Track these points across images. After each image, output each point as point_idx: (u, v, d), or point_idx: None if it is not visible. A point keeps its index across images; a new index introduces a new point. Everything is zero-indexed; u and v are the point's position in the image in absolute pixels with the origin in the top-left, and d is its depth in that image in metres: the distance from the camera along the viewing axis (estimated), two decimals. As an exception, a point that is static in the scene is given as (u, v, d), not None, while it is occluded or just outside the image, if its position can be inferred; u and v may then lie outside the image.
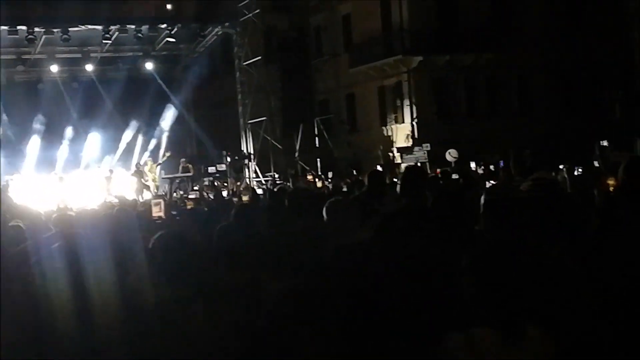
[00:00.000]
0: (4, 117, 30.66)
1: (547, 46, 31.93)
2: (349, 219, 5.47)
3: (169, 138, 33.06)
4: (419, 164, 28.03)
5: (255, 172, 30.49)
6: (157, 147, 32.30)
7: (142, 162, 29.82)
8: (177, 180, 28.77)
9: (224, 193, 18.27)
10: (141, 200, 21.02)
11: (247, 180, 29.97)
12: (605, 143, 20.05)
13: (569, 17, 32.74)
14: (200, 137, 34.31)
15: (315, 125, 31.70)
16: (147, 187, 27.69)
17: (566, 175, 10.17)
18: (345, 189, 12.50)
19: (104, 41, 28.40)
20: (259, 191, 19.74)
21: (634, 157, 6.38)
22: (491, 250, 3.21)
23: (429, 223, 5.31)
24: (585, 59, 31.93)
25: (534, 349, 3.03)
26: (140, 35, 28.12)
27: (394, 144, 32.06)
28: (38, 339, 4.19)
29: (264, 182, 28.86)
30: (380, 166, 25.81)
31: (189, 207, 11.93)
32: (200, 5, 29.46)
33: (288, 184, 20.95)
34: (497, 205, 4.25)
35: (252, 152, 31.09)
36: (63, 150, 31.21)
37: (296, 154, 30.49)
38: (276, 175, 28.81)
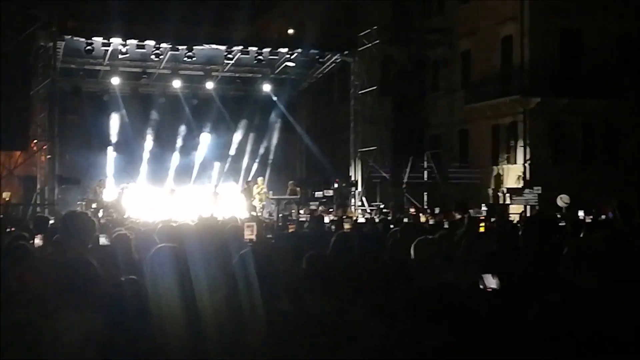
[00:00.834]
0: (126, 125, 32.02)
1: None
2: (435, 259, 5.44)
3: (281, 159, 33.73)
4: (528, 207, 27.58)
5: (362, 200, 30.58)
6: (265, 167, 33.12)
7: (251, 180, 30.39)
8: (284, 202, 29.15)
9: (327, 219, 18.35)
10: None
11: (353, 208, 30.11)
12: None
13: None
14: (311, 161, 34.79)
15: (425, 158, 31.53)
16: (254, 207, 28.18)
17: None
18: (446, 226, 12.39)
19: (225, 61, 29.24)
20: (361, 220, 19.80)
21: None
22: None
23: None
24: None
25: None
26: (260, 57, 28.79)
27: (504, 184, 31.55)
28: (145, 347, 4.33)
29: (369, 211, 28.91)
30: (487, 206, 25.44)
31: (290, 230, 12.05)
32: (321, 32, 29.98)
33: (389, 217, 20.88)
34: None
35: (359, 180, 31.24)
36: (176, 162, 32.31)
37: (403, 186, 30.39)
38: (382, 206, 28.76)
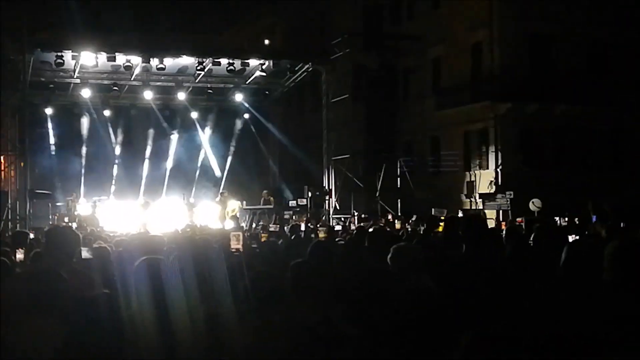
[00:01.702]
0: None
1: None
2: (413, 265, 5.46)
3: (254, 169, 33.74)
4: (501, 212, 27.77)
5: (335, 208, 30.61)
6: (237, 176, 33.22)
7: (225, 191, 30.26)
8: (258, 212, 29.10)
9: (302, 227, 18.35)
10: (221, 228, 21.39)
11: (326, 216, 30.13)
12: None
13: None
14: (284, 170, 34.80)
15: (398, 165, 31.64)
16: (233, 217, 28.08)
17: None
18: (421, 232, 12.44)
19: (197, 72, 29.13)
20: (337, 227, 19.82)
21: None
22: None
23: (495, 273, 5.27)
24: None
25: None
26: (232, 68, 28.74)
27: (476, 189, 31.72)
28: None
29: (343, 219, 28.92)
30: (462, 211, 25.56)
31: (263, 239, 12.03)
32: (291, 41, 30.01)
33: (368, 223, 20.91)
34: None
35: (333, 188, 31.26)
36: (147, 173, 32.22)
37: (377, 193, 30.46)
38: (356, 213, 28.79)
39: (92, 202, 27.76)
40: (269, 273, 5.47)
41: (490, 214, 26.95)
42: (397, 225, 19.54)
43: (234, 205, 28.45)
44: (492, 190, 30.55)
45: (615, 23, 32.20)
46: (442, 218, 11.77)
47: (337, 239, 11.82)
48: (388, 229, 14.05)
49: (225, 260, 5.61)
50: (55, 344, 4.23)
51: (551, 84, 31.03)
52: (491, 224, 19.91)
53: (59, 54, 26.48)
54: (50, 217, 26.85)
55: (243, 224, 26.88)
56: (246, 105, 33.13)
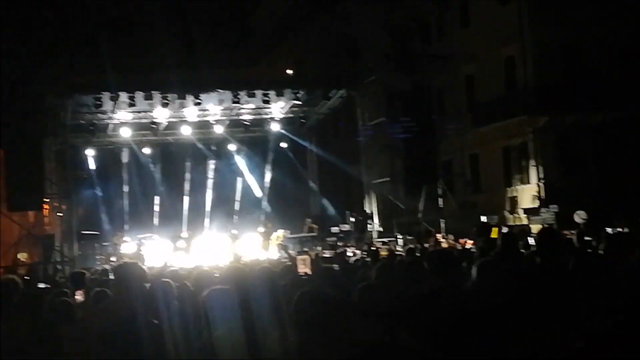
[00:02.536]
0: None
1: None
2: (497, 280, 5.43)
3: (295, 197, 33.85)
4: (546, 226, 27.43)
5: (379, 232, 30.53)
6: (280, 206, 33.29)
7: (269, 222, 30.36)
8: (303, 240, 29.12)
9: (349, 253, 18.37)
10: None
11: (371, 240, 30.06)
12: None
13: None
14: (325, 196, 34.87)
15: (439, 186, 31.49)
16: (280, 245, 28.19)
17: None
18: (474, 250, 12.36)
19: (232, 104, 29.35)
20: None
21: None
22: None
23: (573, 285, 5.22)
24: None
25: None
26: (267, 98, 28.93)
27: (519, 205, 31.45)
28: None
29: (387, 242, 28.82)
30: (507, 227, 25.35)
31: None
32: (324, 68, 30.17)
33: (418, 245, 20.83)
34: None
35: (374, 212, 31.20)
36: (189, 208, 32.47)
37: (420, 215, 30.33)
38: (400, 236, 28.68)
39: (138, 241, 28.02)
40: (334, 296, 5.47)
41: (535, 228, 26.66)
42: (445, 244, 19.47)
43: (279, 233, 28.55)
44: (536, 205, 30.25)
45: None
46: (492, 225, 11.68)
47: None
48: (449, 249, 13.86)
49: (293, 284, 5.62)
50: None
51: (587, 93, 30.74)
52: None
53: (97, 95, 26.91)
54: (97, 257, 27.12)
55: (291, 252, 26.90)
56: (284, 132, 33.26)
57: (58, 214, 30.19)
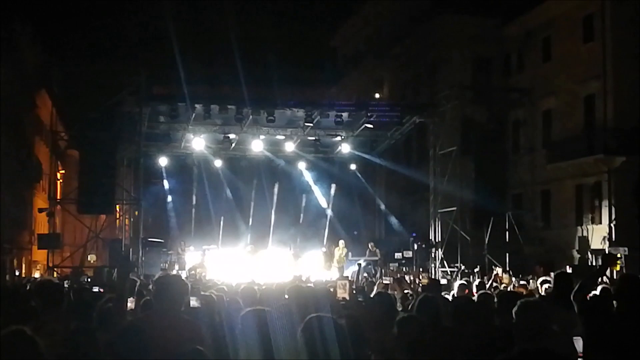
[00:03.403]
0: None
1: None
2: (540, 322, 5.29)
3: (360, 220, 33.76)
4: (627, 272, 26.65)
5: (442, 261, 30.19)
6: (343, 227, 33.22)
7: (331, 242, 30.38)
8: (364, 264, 28.97)
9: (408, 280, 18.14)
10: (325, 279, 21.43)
11: (433, 269, 29.79)
12: None
13: None
14: (390, 222, 34.68)
15: (507, 219, 30.98)
16: (338, 267, 28.21)
17: None
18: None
19: (305, 123, 29.40)
20: (443, 281, 19.50)
21: None
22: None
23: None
24: None
25: None
26: (340, 120, 28.92)
27: (589, 245, 30.69)
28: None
29: (449, 272, 28.50)
30: (572, 267, 24.78)
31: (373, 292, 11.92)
32: (399, 94, 30.11)
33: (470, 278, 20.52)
34: None
35: (439, 241, 30.87)
36: (256, 224, 32.66)
37: (485, 247, 29.87)
38: (462, 267, 28.31)
39: (202, 251, 28.34)
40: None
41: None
42: (506, 280, 19.12)
43: (341, 253, 28.57)
44: (606, 247, 29.48)
45: None
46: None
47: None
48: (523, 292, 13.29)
49: (331, 309, 5.58)
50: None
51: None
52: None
53: (174, 106, 27.37)
54: (161, 265, 27.51)
55: (347, 274, 26.85)
56: (355, 153, 33.18)
57: (127, 219, 30.87)
